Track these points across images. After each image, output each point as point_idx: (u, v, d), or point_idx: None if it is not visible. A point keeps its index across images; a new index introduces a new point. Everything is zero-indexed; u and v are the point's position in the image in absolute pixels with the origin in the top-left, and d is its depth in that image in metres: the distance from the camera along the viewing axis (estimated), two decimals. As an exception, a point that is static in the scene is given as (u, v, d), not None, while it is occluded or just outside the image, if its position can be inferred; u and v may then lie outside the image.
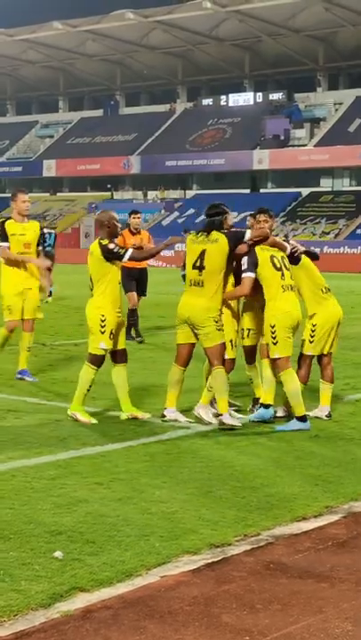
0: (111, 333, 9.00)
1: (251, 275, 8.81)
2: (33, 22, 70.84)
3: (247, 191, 63.31)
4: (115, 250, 8.92)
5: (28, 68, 78.75)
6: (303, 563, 5.31)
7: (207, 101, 72.43)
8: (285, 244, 9.11)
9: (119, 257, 8.93)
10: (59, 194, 74.34)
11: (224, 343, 8.79)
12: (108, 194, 68.08)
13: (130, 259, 9.00)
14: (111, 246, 8.94)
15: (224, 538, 5.61)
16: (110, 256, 8.92)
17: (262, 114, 66.79)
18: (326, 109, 66.58)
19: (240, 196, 60.02)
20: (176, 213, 63.05)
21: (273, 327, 8.74)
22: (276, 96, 68.85)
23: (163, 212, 64.38)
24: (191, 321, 8.74)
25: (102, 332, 8.99)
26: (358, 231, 55.27)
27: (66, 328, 17.51)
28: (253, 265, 8.82)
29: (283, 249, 9.02)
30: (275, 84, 71.89)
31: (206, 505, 6.25)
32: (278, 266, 8.87)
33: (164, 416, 8.89)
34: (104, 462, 7.39)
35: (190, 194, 66.86)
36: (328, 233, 55.82)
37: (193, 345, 8.91)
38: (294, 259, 9.13)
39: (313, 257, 9.47)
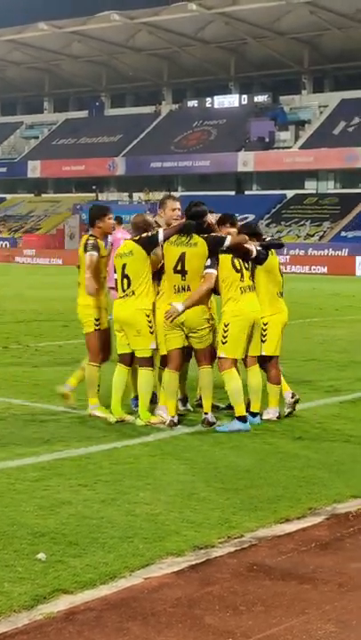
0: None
1: (214, 271, 8.75)
2: (18, 23, 70.76)
3: (232, 193, 63.40)
4: (150, 235, 8.82)
5: (13, 69, 78.58)
6: (286, 564, 5.32)
7: (192, 103, 72.49)
8: (252, 248, 8.98)
9: (156, 240, 8.80)
10: (43, 195, 74.21)
11: (212, 344, 8.92)
12: (93, 195, 68.00)
13: (164, 238, 8.78)
14: (144, 236, 8.87)
15: (208, 539, 5.62)
16: (149, 244, 8.82)
17: (247, 116, 66.89)
18: (311, 112, 66.75)
19: (225, 197, 60.05)
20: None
21: (226, 326, 8.72)
22: (261, 98, 68.99)
23: (148, 213, 64.31)
24: (186, 325, 8.70)
25: (152, 333, 8.90)
26: (343, 233, 55.43)
27: (50, 329, 17.48)
28: (215, 262, 8.79)
29: (249, 253, 8.94)
30: (260, 87, 72.02)
31: (190, 506, 6.25)
32: (238, 267, 8.82)
33: (175, 424, 8.80)
34: (88, 464, 7.38)
35: (175, 195, 66.85)
36: (313, 235, 55.96)
37: (185, 348, 8.88)
38: (259, 260, 9.12)
39: (277, 247, 9.77)
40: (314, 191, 62.64)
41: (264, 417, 9.16)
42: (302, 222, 57.71)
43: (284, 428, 8.88)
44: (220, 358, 8.77)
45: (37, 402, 10.10)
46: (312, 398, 10.48)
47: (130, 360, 9.08)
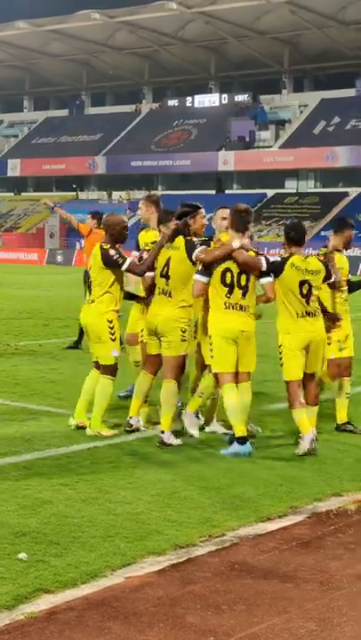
0: (119, 340, 8.70)
1: (199, 278, 8.15)
2: (-3, 22, 70.49)
3: (213, 192, 63.38)
4: (114, 257, 8.46)
5: (-8, 67, 78.33)
6: (268, 563, 5.33)
7: (173, 102, 72.46)
8: (261, 262, 8.06)
9: (118, 265, 8.47)
10: (23, 194, 73.97)
11: (185, 356, 8.34)
12: (73, 194, 67.87)
13: (128, 270, 8.50)
14: (111, 252, 8.50)
15: (189, 538, 5.62)
16: (109, 263, 8.50)
17: (228, 115, 66.93)
18: (291, 111, 66.86)
19: (206, 196, 60.00)
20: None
21: (210, 339, 8.14)
22: (241, 98, 69.05)
23: (127, 212, 64.32)
24: (159, 330, 8.26)
25: (113, 340, 8.56)
26: (323, 233, 55.50)
27: (30, 328, 17.43)
28: (206, 271, 8.13)
29: (254, 267, 8.05)
30: (240, 86, 72.09)
31: (172, 506, 6.25)
32: (229, 282, 8.04)
33: (130, 425, 8.54)
34: (69, 463, 7.36)
35: (156, 194, 66.86)
36: (293, 234, 56.02)
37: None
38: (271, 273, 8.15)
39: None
40: (294, 190, 62.77)
41: (299, 452, 7.90)
42: (283, 221, 57.70)
43: (265, 428, 8.88)
44: (215, 374, 8.19)
45: (17, 401, 10.06)
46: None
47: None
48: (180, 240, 8.28)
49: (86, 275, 9.11)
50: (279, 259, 8.24)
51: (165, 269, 8.28)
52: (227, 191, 64.88)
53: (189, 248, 8.22)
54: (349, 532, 5.94)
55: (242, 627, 4.43)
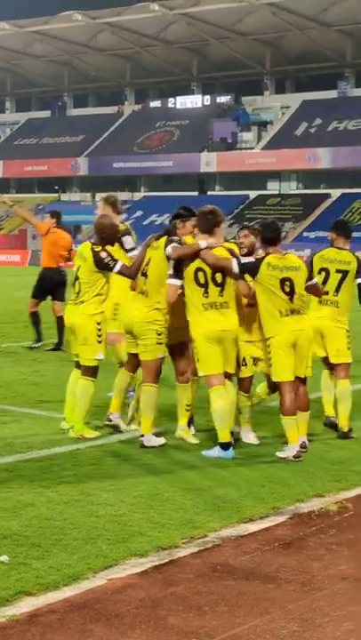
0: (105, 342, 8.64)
1: (172, 282, 8.03)
2: (-21, 22, 70.28)
3: (195, 193, 63.43)
4: (105, 260, 8.44)
5: (-26, 69, 78.12)
6: (250, 564, 5.33)
7: (155, 104, 72.47)
8: (232, 264, 7.91)
9: (109, 268, 8.45)
10: (5, 195, 73.61)
11: (162, 358, 8.26)
12: (56, 195, 67.76)
13: (119, 272, 8.47)
14: (103, 255, 8.47)
15: (171, 540, 5.62)
16: (100, 265, 8.46)
17: (210, 116, 67.00)
18: (273, 113, 66.99)
19: (188, 198, 60.05)
20: (124, 215, 62.93)
21: (193, 343, 8.04)
22: (223, 99, 69.13)
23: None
24: (134, 332, 8.24)
25: (100, 342, 8.51)
26: (305, 234, 55.69)
27: (12, 330, 17.38)
28: (176, 272, 8.02)
29: (225, 269, 7.93)
30: (222, 87, 72.18)
31: (154, 507, 6.25)
32: (202, 282, 7.91)
33: (110, 420, 8.57)
34: (51, 466, 7.35)
35: (138, 196, 66.86)
36: (275, 236, 56.09)
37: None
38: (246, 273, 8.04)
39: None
40: (276, 192, 62.91)
41: (280, 454, 7.85)
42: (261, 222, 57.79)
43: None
44: (204, 377, 8.07)
45: None
46: (276, 397, 10.49)
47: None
48: (162, 240, 8.23)
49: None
50: (253, 260, 8.12)
51: (145, 268, 8.25)
52: (209, 192, 64.95)
53: (167, 245, 8.14)
54: (331, 532, 5.96)
55: (224, 628, 4.43)
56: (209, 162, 64.31)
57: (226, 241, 8.33)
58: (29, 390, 10.84)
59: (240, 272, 7.94)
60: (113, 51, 71.46)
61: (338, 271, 8.90)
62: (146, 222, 57.03)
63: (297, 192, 62.28)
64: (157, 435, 8.22)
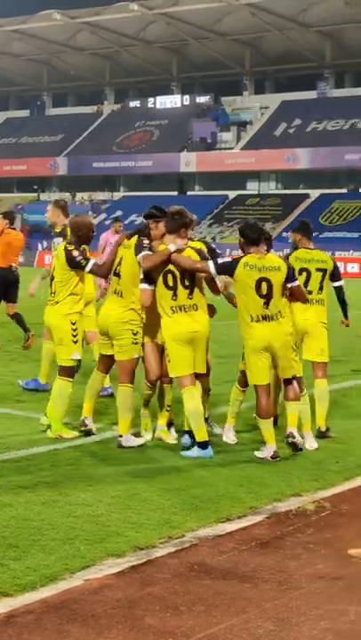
0: (83, 341, 8.60)
1: (144, 286, 8.02)
2: None
3: (175, 193, 63.48)
4: (77, 258, 8.44)
5: None
6: (227, 564, 5.35)
7: (135, 103, 72.46)
8: (208, 266, 7.83)
9: (80, 267, 8.46)
10: None
11: (138, 359, 8.25)
12: (35, 195, 67.59)
13: (90, 272, 8.51)
14: (75, 254, 8.47)
15: (148, 540, 5.62)
16: (72, 264, 8.48)
17: (189, 116, 67.06)
18: (253, 113, 67.13)
19: (168, 198, 60.05)
20: (103, 215, 62.91)
21: (165, 344, 8.02)
22: (202, 99, 69.22)
23: (90, 213, 64.18)
24: (109, 333, 8.18)
25: (75, 342, 8.51)
26: (284, 234, 55.73)
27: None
28: (147, 278, 8.02)
29: (201, 272, 7.89)
30: (202, 87, 72.24)
31: (131, 507, 6.25)
32: (171, 284, 7.87)
33: (85, 425, 8.42)
34: (29, 466, 7.33)
35: (118, 195, 66.82)
36: (255, 236, 56.21)
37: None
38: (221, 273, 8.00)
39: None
40: (256, 192, 63.05)
41: (258, 454, 7.86)
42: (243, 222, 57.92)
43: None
44: (176, 378, 8.07)
45: (-22, 403, 10.01)
46: (252, 398, 10.51)
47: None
48: (133, 239, 8.20)
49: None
50: (230, 260, 8.03)
51: (118, 268, 8.23)
52: (189, 192, 65.04)
53: (138, 247, 8.09)
54: (308, 531, 5.98)
55: (201, 627, 4.44)
56: (188, 162, 64.37)
57: (191, 240, 8.28)
58: (7, 390, 10.81)
59: (217, 272, 7.91)
60: (92, 50, 71.38)
61: (318, 270, 8.94)
62: (125, 222, 56.92)
63: (276, 192, 62.45)
64: (136, 435, 8.23)
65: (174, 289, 7.86)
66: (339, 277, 9.17)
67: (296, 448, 7.88)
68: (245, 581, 5.07)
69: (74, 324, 8.52)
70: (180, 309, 7.88)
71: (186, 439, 8.03)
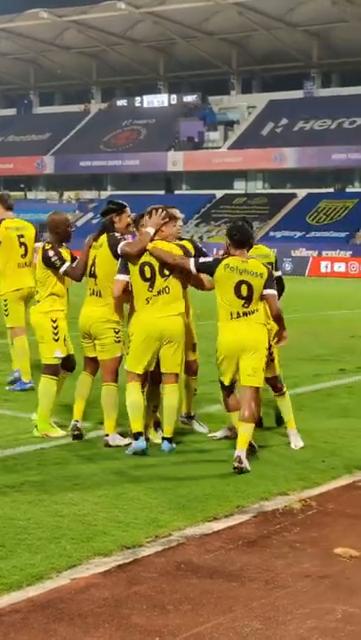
0: (64, 339, 8.56)
1: (119, 277, 7.97)
2: None
3: (162, 192, 63.51)
4: (52, 259, 8.45)
5: None
6: (214, 562, 5.34)
7: (122, 102, 72.43)
8: (188, 263, 7.81)
9: (55, 267, 8.47)
10: None
11: (121, 357, 8.18)
12: (22, 194, 67.48)
13: (64, 273, 8.48)
14: (50, 254, 8.48)
15: (135, 539, 5.62)
16: (47, 263, 8.49)
17: (176, 115, 67.10)
18: (240, 112, 67.20)
19: (155, 197, 60.03)
20: (90, 214, 62.90)
21: (130, 336, 7.99)
22: (190, 98, 69.26)
23: (77, 212, 64.16)
24: (91, 332, 8.19)
25: (56, 340, 8.49)
26: (271, 233, 55.92)
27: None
28: (124, 267, 7.96)
29: (182, 268, 7.83)
30: (189, 87, 72.28)
31: (118, 506, 6.24)
32: (148, 276, 7.82)
33: (78, 430, 8.32)
34: (16, 465, 7.32)
35: (105, 194, 66.78)
36: (242, 235, 56.27)
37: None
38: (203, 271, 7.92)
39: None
40: (243, 191, 63.12)
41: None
42: (232, 222, 57.96)
43: (210, 427, 8.87)
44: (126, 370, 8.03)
45: (-36, 403, 9.98)
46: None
47: (70, 364, 8.78)
48: (102, 237, 8.19)
49: None
50: (211, 259, 7.94)
51: (93, 269, 8.21)
52: (176, 192, 65.08)
53: (112, 243, 8.07)
54: (295, 530, 5.98)
55: (187, 626, 4.44)
56: (176, 161, 64.40)
57: (180, 239, 8.26)
58: (-6, 390, 10.78)
59: (197, 271, 7.86)
60: (79, 49, 71.32)
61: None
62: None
63: (263, 191, 62.54)
64: (123, 434, 8.22)
65: (152, 280, 7.82)
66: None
67: (239, 472, 7.34)
68: (232, 580, 5.07)
69: (54, 321, 8.52)
70: (156, 301, 7.83)
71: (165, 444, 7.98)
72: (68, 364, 8.74)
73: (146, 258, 7.84)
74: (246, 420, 7.48)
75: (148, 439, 8.16)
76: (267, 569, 5.26)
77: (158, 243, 7.90)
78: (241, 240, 7.83)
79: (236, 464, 7.26)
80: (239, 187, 63.82)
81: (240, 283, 7.63)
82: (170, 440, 7.97)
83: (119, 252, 7.98)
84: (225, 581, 5.05)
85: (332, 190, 60.02)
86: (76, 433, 8.31)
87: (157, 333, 7.83)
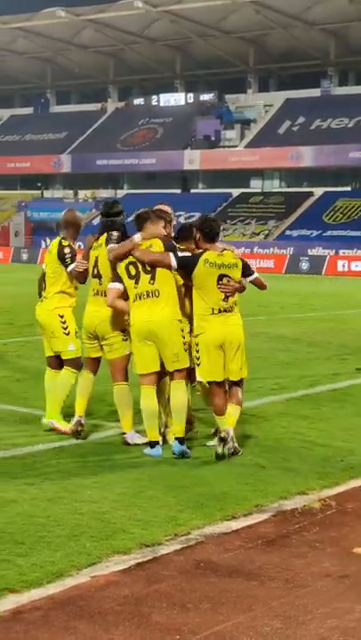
0: (76, 332, 8.56)
1: (112, 285, 7.98)
2: None
3: (178, 191, 63.48)
4: (65, 257, 8.51)
5: None
6: (233, 561, 5.35)
7: (138, 101, 72.40)
8: (169, 258, 7.76)
9: (65, 264, 8.53)
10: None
11: (129, 355, 8.16)
12: (39, 192, 67.62)
13: (69, 272, 8.53)
14: (66, 251, 8.53)
15: (154, 537, 5.62)
16: (60, 259, 8.56)
17: (193, 114, 67.02)
18: (256, 111, 67.05)
19: (171, 195, 60.12)
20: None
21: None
22: (206, 97, 69.13)
23: (93, 211, 64.20)
24: (98, 332, 8.20)
25: (67, 334, 8.53)
26: (288, 232, 55.78)
27: (-5, 327, 17.34)
28: (116, 276, 7.99)
29: (162, 264, 7.80)
30: (205, 85, 72.18)
31: (137, 505, 6.25)
32: (133, 273, 7.81)
33: (81, 425, 8.29)
34: (35, 462, 7.34)
35: (121, 193, 66.79)
36: (258, 234, 56.26)
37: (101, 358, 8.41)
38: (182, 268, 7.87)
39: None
40: (259, 190, 62.97)
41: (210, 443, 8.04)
42: (248, 221, 57.98)
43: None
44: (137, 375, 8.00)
45: (-18, 400, 10.02)
46: (259, 396, 10.55)
47: (55, 363, 8.79)
48: (102, 238, 8.24)
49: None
50: (190, 255, 7.90)
51: (95, 269, 8.25)
52: (192, 190, 65.00)
53: (106, 242, 8.13)
54: (314, 530, 5.98)
55: (207, 625, 4.44)
56: (192, 159, 64.32)
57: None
58: (13, 387, 10.83)
59: (177, 266, 7.80)
60: (96, 48, 71.34)
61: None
62: (129, 220, 56.92)
63: (280, 190, 62.35)
64: (141, 433, 8.20)
65: (136, 277, 7.80)
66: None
67: (225, 444, 7.55)
68: (252, 579, 5.07)
69: (62, 316, 8.56)
70: (141, 297, 7.78)
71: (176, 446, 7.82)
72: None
73: (131, 258, 7.84)
74: (235, 403, 7.88)
75: (166, 441, 8.06)
76: (286, 568, 5.26)
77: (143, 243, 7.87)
78: (213, 233, 7.95)
79: (224, 434, 7.56)
80: (256, 185, 63.67)
81: (221, 277, 7.75)
82: (181, 440, 7.76)
83: (108, 258, 8.00)
84: (244, 580, 5.05)
85: (349, 189, 59.79)
86: (78, 429, 8.25)
87: (146, 333, 7.76)
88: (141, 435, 8.10)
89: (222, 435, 7.64)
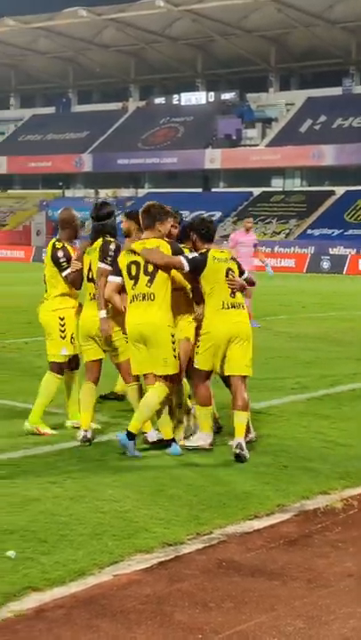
0: (72, 337, 8.55)
1: (111, 278, 7.95)
2: (-16, 18, 70.30)
3: (199, 190, 63.49)
4: (60, 260, 8.48)
5: (-22, 64, 78.16)
6: (255, 561, 5.34)
7: (160, 100, 72.45)
8: (182, 262, 7.72)
9: (60, 269, 8.49)
10: (9, 191, 73.87)
11: None
12: (60, 191, 67.80)
13: (64, 277, 8.47)
14: (60, 254, 8.50)
15: (177, 536, 5.63)
16: (54, 262, 8.53)
17: (214, 113, 66.98)
18: (278, 110, 66.96)
19: (192, 195, 60.20)
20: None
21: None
22: (228, 96, 69.09)
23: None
24: (95, 335, 8.14)
25: (63, 338, 8.51)
26: (309, 231, 55.66)
27: (16, 326, 17.39)
28: (117, 270, 7.94)
29: (175, 268, 7.77)
30: (227, 84, 72.12)
31: (159, 503, 6.26)
32: (134, 274, 7.72)
33: (88, 440, 8.07)
34: (57, 461, 7.36)
35: (142, 192, 66.88)
36: (279, 233, 56.16)
37: (102, 360, 8.33)
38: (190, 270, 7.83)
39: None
40: (280, 189, 62.85)
41: (189, 444, 7.90)
42: (269, 220, 57.89)
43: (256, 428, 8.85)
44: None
45: (4, 399, 10.07)
46: (279, 395, 10.53)
47: (75, 363, 8.82)
48: (97, 243, 8.22)
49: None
50: (198, 255, 7.87)
51: (90, 274, 8.24)
52: (213, 189, 64.97)
53: (102, 249, 8.13)
54: (336, 530, 5.96)
55: (230, 624, 4.44)
56: (213, 158, 64.30)
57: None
58: (34, 386, 10.80)
59: (190, 269, 7.77)
60: (117, 47, 71.45)
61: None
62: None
63: (301, 189, 62.21)
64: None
65: (136, 277, 7.73)
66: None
67: (240, 460, 7.51)
68: (274, 579, 5.06)
69: (62, 319, 8.52)
70: (137, 298, 7.70)
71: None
72: (71, 362, 8.76)
73: (133, 257, 7.76)
74: (241, 408, 7.78)
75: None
76: (309, 568, 5.25)
77: (148, 242, 7.80)
78: (210, 234, 8.13)
79: (237, 451, 7.50)
80: (277, 184, 63.55)
81: (228, 271, 7.95)
82: (131, 435, 7.59)
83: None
84: (267, 580, 5.05)
85: (370, 188, 59.63)
86: (86, 445, 8.02)
87: (137, 336, 7.70)
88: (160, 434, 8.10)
89: (236, 451, 7.54)
